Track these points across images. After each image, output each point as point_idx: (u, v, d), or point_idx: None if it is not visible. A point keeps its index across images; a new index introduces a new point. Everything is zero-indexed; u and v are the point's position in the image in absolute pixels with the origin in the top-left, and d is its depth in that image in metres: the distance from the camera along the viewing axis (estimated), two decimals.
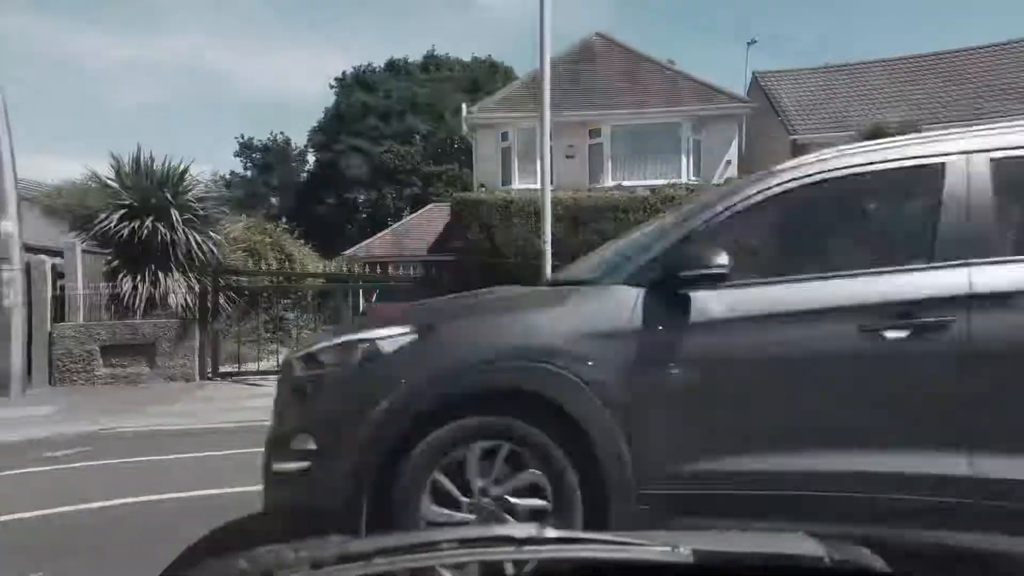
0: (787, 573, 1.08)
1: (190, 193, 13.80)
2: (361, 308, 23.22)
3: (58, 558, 4.45)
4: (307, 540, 1.03)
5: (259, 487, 3.72)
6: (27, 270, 12.14)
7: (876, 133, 18.61)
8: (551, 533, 1.06)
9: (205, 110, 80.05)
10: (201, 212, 13.79)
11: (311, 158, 53.25)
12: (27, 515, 5.49)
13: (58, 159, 59.38)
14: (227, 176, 51.84)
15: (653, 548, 1.06)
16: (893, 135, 18.03)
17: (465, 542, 1.03)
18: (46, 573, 4.18)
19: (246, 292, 15.42)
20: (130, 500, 5.71)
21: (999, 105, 21.88)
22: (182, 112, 79.65)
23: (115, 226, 12.78)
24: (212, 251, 13.75)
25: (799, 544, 1.13)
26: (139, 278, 12.97)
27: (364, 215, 48.34)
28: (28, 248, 12.45)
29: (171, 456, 7.47)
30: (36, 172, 29.07)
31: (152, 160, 13.73)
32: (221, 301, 13.93)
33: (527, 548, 1.03)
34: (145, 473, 6.97)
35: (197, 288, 13.45)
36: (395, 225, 36.22)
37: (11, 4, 53.89)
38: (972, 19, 69.83)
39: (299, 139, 55.34)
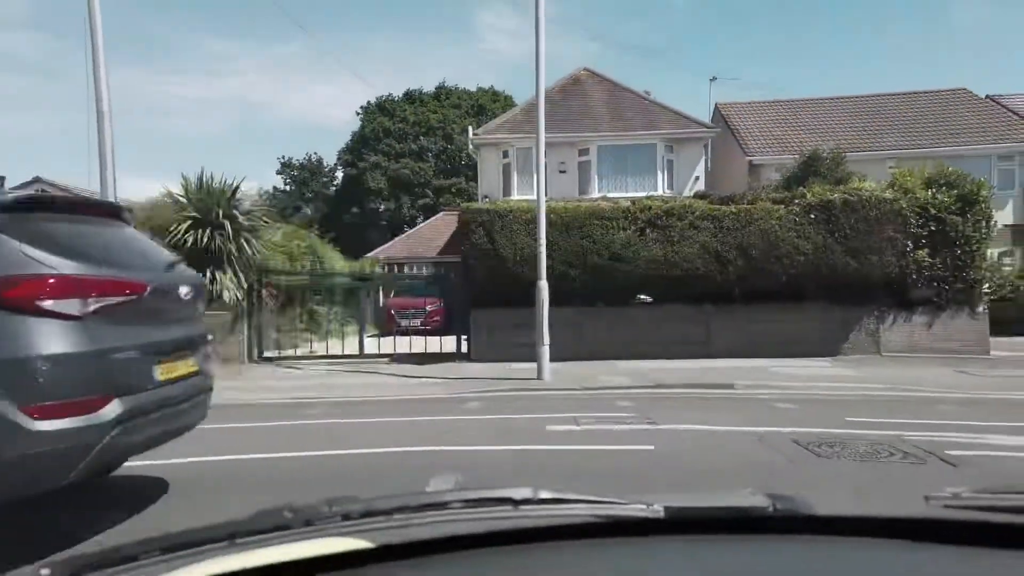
0: (739, 521, 1.10)
1: (240, 207, 14.13)
2: (381, 302, 23.57)
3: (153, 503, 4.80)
4: (339, 497, 1.04)
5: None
6: None
7: (813, 157, 19.08)
8: (544, 494, 1.05)
9: (255, 135, 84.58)
10: (248, 223, 14.14)
11: (340, 174, 53.39)
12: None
13: (148, 181, 62.95)
14: (270, 190, 52.69)
15: (632, 506, 1.07)
16: (826, 160, 18.36)
17: (470, 502, 1.03)
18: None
19: (284, 289, 15.75)
20: (203, 459, 6.09)
21: (896, 140, 23.95)
22: (238, 138, 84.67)
23: (181, 236, 13.24)
24: (256, 255, 14.09)
25: (749, 498, 1.14)
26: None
27: (384, 222, 48.54)
28: None
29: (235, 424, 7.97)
30: (131, 192, 31.10)
31: (212, 179, 14.10)
32: (264, 297, 14.26)
33: (524, 507, 1.03)
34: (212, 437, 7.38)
35: (245, 286, 13.78)
36: (410, 231, 36.42)
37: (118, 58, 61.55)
38: (889, 69, 75.02)
39: (330, 158, 55.73)
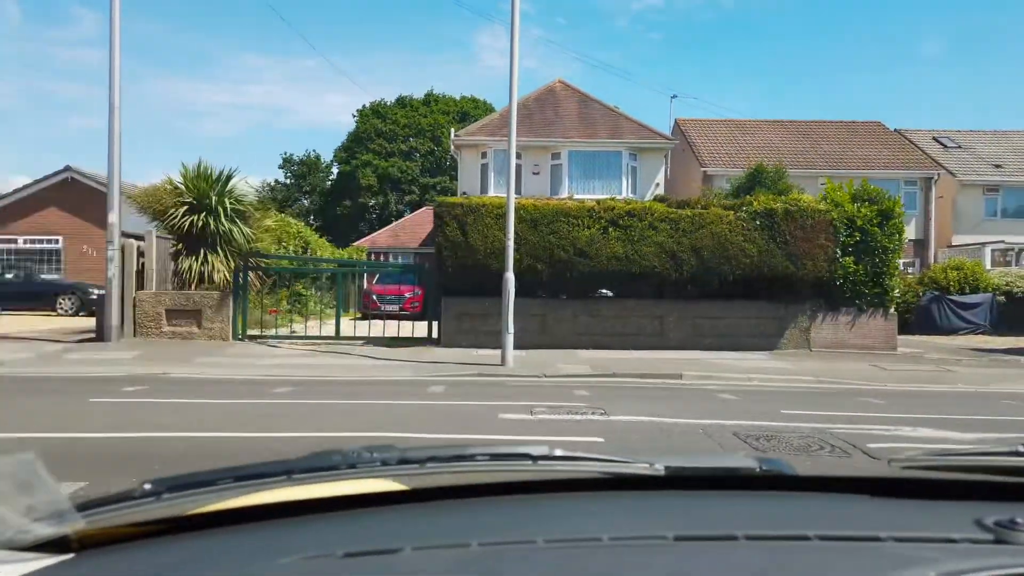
0: (730, 480, 1.12)
1: (233, 195, 13.58)
2: (364, 287, 23.03)
3: (104, 473, 4.36)
4: (379, 445, 1.02)
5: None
6: (122, 250, 12.51)
7: (759, 170, 18.91)
8: (559, 452, 1.04)
9: (271, 135, 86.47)
10: (239, 208, 13.58)
11: (335, 169, 52.51)
12: (92, 435, 5.59)
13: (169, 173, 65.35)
14: (272, 183, 52.56)
15: (636, 465, 1.07)
16: (770, 173, 18.33)
17: (494, 456, 1.02)
18: (90, 483, 4.00)
19: (271, 271, 15.18)
20: (169, 435, 5.76)
21: (825, 160, 24.62)
22: (256, 137, 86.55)
23: (179, 219, 12.74)
24: (245, 238, 13.53)
25: (740, 460, 1.15)
26: (193, 259, 12.91)
27: (374, 215, 47.79)
28: (123, 234, 12.70)
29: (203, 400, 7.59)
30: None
31: (208, 168, 13.55)
32: (250, 278, 13.73)
33: (541, 463, 1.02)
34: (184, 411, 7.01)
35: (233, 267, 13.25)
36: (395, 223, 35.79)
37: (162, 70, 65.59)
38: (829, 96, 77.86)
39: (327, 155, 55.02)
